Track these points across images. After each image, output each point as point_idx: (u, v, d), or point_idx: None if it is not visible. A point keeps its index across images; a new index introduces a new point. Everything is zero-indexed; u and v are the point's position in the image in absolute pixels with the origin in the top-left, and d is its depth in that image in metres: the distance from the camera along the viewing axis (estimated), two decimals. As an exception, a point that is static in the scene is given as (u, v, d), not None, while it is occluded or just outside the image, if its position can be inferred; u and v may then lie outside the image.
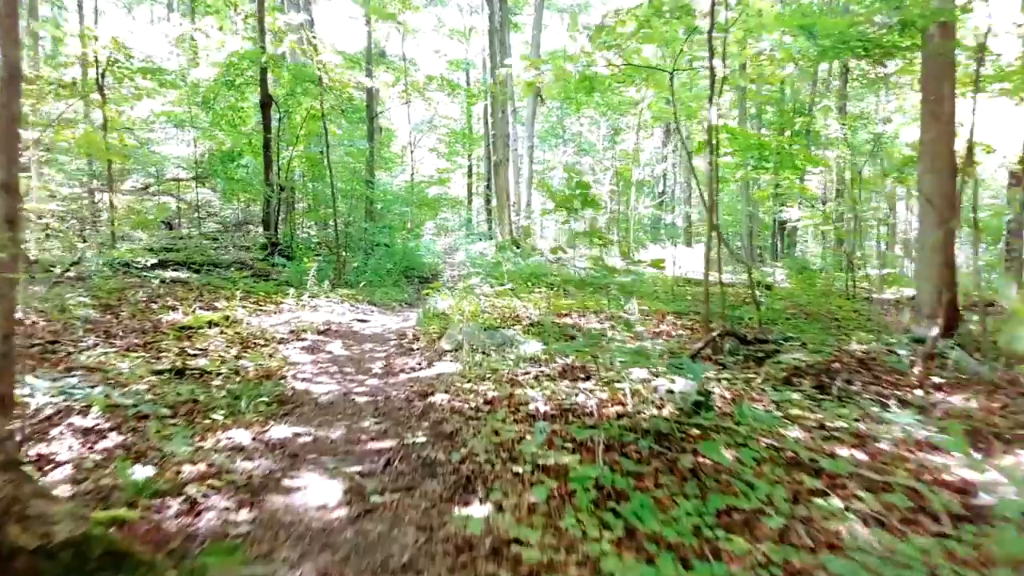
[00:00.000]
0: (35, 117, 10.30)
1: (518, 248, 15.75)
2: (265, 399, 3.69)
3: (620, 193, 14.30)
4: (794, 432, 3.15)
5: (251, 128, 11.06)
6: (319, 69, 8.80)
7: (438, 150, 26.84)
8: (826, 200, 16.70)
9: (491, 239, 20.71)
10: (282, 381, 4.20)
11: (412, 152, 22.92)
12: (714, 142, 4.87)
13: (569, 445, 2.80)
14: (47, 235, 11.86)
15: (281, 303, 6.45)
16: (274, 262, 8.68)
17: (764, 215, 15.58)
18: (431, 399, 3.74)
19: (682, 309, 7.26)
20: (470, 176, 27.72)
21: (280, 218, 12.25)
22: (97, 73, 8.14)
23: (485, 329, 4.94)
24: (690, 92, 12.10)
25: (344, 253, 11.33)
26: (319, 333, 5.55)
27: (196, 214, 13.76)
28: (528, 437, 2.94)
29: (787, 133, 10.58)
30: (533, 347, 4.02)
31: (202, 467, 2.83)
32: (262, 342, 5.10)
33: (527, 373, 3.94)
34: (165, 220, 14.94)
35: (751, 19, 6.11)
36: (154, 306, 6.14)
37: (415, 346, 5.04)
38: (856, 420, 3.32)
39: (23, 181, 12.75)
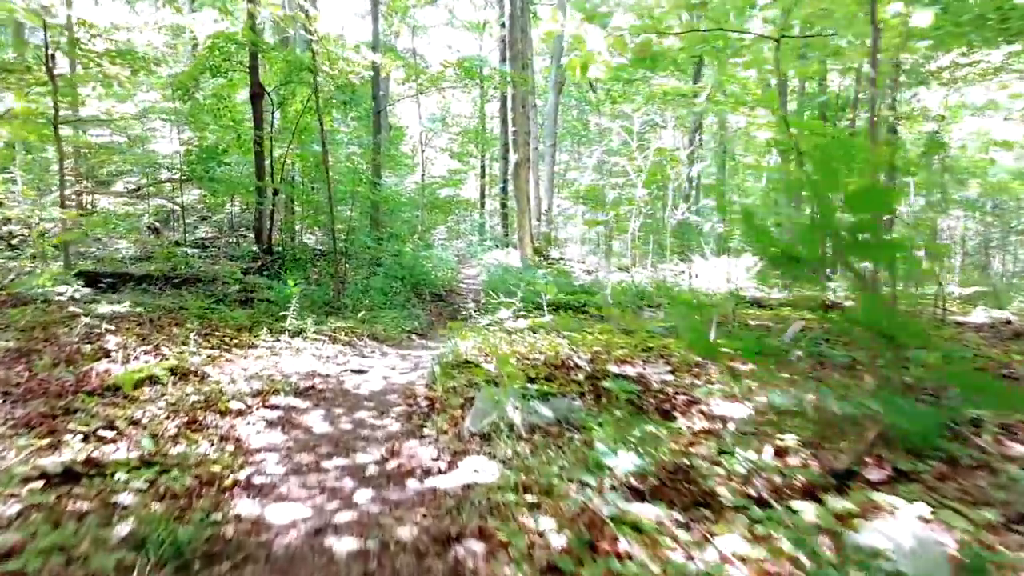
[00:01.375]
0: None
1: (540, 257, 14.28)
2: (184, 553, 2.22)
3: (655, 197, 12.76)
4: None
5: (232, 121, 9.62)
6: (311, 35, 7.29)
7: (451, 149, 25.44)
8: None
9: (507, 246, 19.25)
10: (225, 498, 2.72)
11: (423, 151, 21.49)
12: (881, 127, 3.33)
13: None
14: (12, 246, 10.52)
15: (254, 344, 4.98)
16: (257, 283, 7.21)
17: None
18: (458, 551, 2.25)
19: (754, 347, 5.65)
20: (483, 176, 26.26)
21: (274, 224, 10.84)
22: (45, 55, 6.75)
23: (529, 397, 3.44)
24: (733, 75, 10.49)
25: (346, 264, 9.90)
26: (297, 393, 4.07)
27: (183, 218, 12.39)
28: None
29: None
30: (625, 462, 2.51)
31: None
32: (214, 414, 3.64)
33: (609, 497, 2.43)
34: (151, 225, 13.61)
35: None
36: (88, 348, 4.70)
37: (430, 423, 3.54)
38: None
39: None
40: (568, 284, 8.78)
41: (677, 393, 4.35)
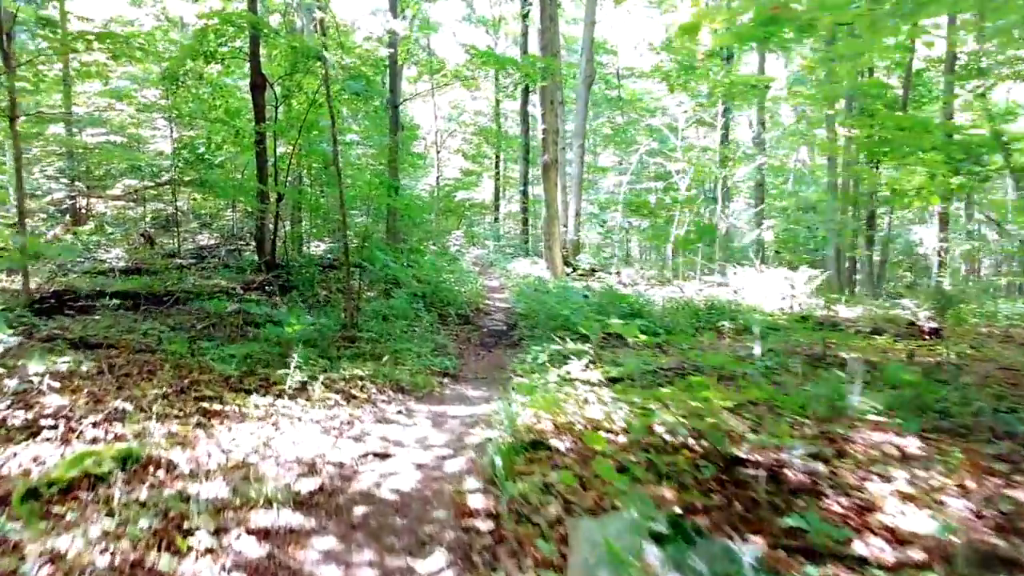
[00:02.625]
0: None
1: (570, 268, 13.02)
2: None
3: (701, 202, 11.44)
4: None
5: (225, 114, 8.41)
6: (319, 5, 6.08)
7: (463, 151, 24.23)
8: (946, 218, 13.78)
9: (528, 253, 18.01)
10: None
11: (438, 152, 20.27)
12: None
13: None
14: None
15: (243, 411, 3.73)
16: (255, 311, 5.98)
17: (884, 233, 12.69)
18: None
19: (892, 401, 4.25)
20: (498, 179, 25.00)
21: (277, 234, 9.64)
22: (0, 32, 5.57)
23: (665, 538, 2.17)
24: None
25: (360, 280, 8.65)
26: (296, 503, 2.80)
27: (178, 224, 11.23)
28: None
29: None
30: None
31: None
32: (171, 545, 2.39)
33: None
34: (144, 232, 12.46)
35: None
36: (19, 418, 3.48)
37: (500, 572, 2.28)
38: None
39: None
40: (622, 308, 7.50)
41: (837, 493, 3.08)
